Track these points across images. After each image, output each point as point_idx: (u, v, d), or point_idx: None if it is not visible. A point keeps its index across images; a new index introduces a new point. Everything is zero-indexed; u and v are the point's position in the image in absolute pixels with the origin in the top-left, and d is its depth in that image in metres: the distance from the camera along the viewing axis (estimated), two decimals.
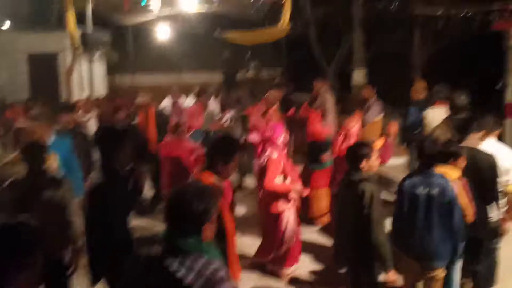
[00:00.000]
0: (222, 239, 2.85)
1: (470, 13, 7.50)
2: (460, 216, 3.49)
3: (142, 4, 10.90)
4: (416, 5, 8.96)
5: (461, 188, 3.62)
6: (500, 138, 6.82)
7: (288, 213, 4.52)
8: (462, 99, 4.81)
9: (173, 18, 13.92)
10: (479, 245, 4.02)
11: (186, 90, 11.83)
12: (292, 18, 9.32)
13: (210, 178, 2.90)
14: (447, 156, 3.69)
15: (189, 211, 2.02)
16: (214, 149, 3.03)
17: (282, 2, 9.35)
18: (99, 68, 13.37)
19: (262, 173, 4.47)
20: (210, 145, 3.11)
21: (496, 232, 4.12)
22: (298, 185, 4.55)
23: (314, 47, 13.44)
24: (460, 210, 3.50)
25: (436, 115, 5.26)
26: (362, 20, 11.82)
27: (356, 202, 3.41)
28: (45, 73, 12.04)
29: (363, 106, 7.15)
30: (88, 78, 8.54)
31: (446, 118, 4.86)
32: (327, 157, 5.80)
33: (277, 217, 4.47)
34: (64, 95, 10.85)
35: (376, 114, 7.14)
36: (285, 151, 4.70)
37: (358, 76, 12.60)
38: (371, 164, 3.53)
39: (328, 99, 7.13)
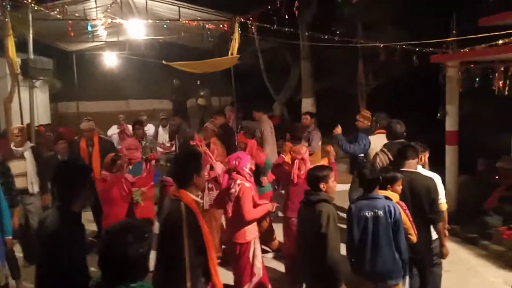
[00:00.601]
0: (202, 253, 2.90)
1: (409, 47, 7.86)
2: (404, 235, 3.75)
3: (88, 29, 10.68)
4: (359, 39, 9.35)
5: (402, 211, 3.83)
6: (442, 162, 7.18)
7: (255, 241, 4.42)
8: (399, 127, 5.12)
9: (121, 45, 13.72)
10: (423, 265, 4.22)
11: (134, 117, 11.58)
12: (241, 48, 9.39)
13: (188, 196, 2.95)
14: (385, 181, 3.92)
15: (132, 255, 1.87)
16: (183, 166, 3.06)
17: (231, 33, 9.43)
18: (41, 96, 12.83)
19: (236, 202, 4.33)
20: (174, 165, 3.15)
21: (438, 252, 4.33)
22: (266, 202, 4.58)
23: (263, 76, 13.63)
24: (403, 230, 3.74)
25: (377, 142, 5.58)
26: (309, 51, 12.16)
27: (314, 221, 3.57)
28: None
29: (303, 133, 7.42)
30: (29, 106, 8.09)
31: (385, 144, 5.17)
32: (266, 181, 6.06)
33: (245, 246, 4.34)
34: (2, 124, 10.29)
35: (319, 142, 7.37)
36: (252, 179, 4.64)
37: (307, 104, 12.86)
38: (330, 186, 3.75)
39: (267, 127, 7.52)
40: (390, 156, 4.88)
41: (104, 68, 14.83)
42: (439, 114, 7.94)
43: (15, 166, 5.59)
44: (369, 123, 6.70)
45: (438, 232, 4.25)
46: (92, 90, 16.32)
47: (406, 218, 3.83)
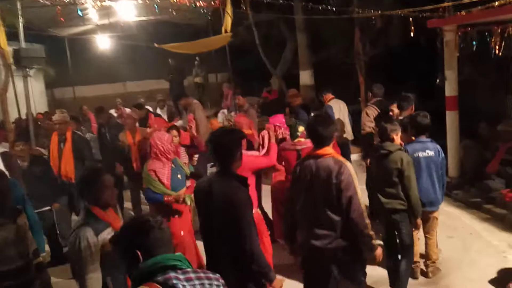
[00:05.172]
0: None
1: (405, 13, 7.73)
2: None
3: (78, 13, 10.47)
4: (354, 8, 9.14)
5: None
6: (443, 129, 7.17)
7: None
8: (378, 88, 6.60)
9: (113, 27, 13.49)
10: None
11: (132, 100, 11.51)
12: (235, 23, 9.22)
13: (334, 152, 3.27)
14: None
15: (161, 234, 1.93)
16: (325, 127, 3.24)
17: (223, 8, 9.24)
18: (36, 84, 12.72)
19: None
20: (315, 127, 3.28)
21: None
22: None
23: (259, 50, 13.43)
24: None
25: (335, 106, 7.19)
26: (304, 23, 11.95)
27: (390, 169, 4.16)
28: None
29: None
30: (24, 95, 8.04)
31: (370, 104, 6.56)
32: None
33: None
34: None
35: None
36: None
37: (305, 77, 12.73)
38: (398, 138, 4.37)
39: (199, 111, 7.51)
40: (377, 110, 6.21)
41: (98, 51, 14.61)
42: (438, 80, 7.87)
43: None
44: (300, 99, 7.88)
45: None
46: (87, 74, 16.16)
47: None
